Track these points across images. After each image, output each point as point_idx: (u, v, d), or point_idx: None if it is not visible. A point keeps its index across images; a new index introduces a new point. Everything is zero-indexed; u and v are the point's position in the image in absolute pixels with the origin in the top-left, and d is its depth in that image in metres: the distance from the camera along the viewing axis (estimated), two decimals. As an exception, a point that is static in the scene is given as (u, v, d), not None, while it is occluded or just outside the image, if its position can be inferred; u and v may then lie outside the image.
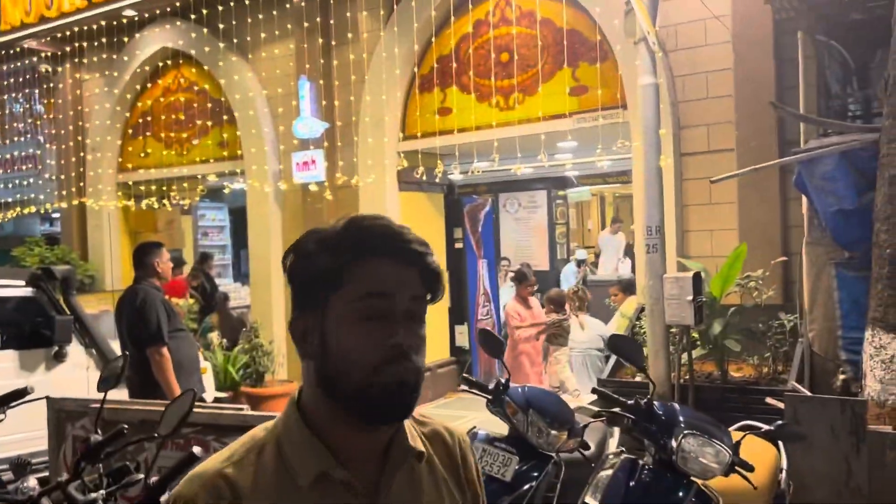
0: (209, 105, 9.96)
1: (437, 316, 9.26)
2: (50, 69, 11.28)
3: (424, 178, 8.25)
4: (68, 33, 10.46)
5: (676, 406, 3.05)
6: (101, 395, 2.65)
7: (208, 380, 6.79)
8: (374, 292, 1.15)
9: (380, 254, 1.16)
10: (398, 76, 8.32)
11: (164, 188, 10.46)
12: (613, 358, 6.41)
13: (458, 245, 9.61)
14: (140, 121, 10.79)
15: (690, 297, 5.18)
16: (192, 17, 9.40)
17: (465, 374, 4.64)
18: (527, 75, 7.68)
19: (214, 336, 8.23)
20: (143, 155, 10.78)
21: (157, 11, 9.88)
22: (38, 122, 11.90)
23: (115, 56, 10.58)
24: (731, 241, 6.34)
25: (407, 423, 1.25)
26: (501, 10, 7.80)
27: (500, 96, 7.90)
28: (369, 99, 8.55)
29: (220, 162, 9.85)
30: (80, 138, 11.16)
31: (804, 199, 5.55)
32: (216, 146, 10.01)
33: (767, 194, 6.24)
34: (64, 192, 11.06)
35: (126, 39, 10.33)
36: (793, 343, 5.70)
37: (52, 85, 11.42)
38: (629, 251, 13.43)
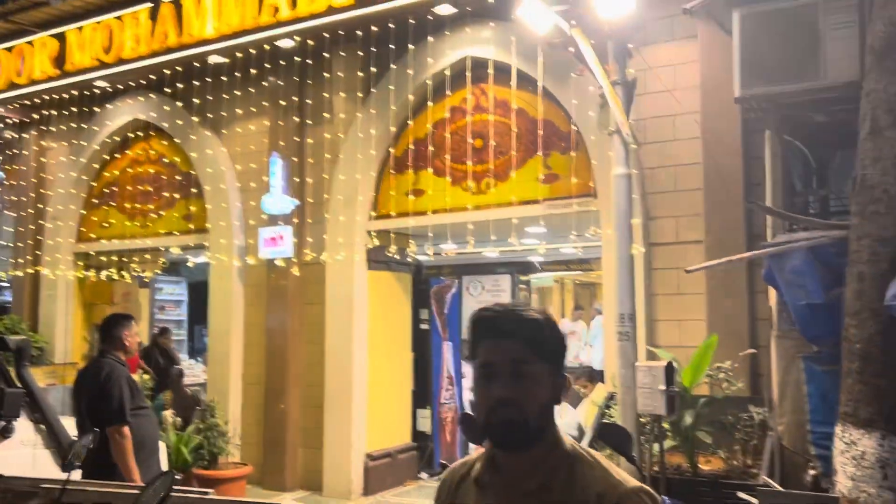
0: (177, 178, 9.88)
1: (398, 399, 9.08)
2: (15, 135, 11.13)
3: (397, 256, 8.24)
4: (37, 101, 10.39)
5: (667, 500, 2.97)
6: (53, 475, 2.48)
7: (161, 460, 6.47)
8: (485, 363, 1.65)
9: (488, 336, 1.66)
10: (373, 156, 8.40)
11: (125, 259, 10.24)
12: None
13: (424, 326, 9.52)
14: (105, 190, 10.65)
15: (663, 387, 5.16)
16: (166, 90, 9.44)
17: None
18: (500, 161, 7.81)
19: (168, 414, 7.90)
20: (105, 225, 10.58)
21: (131, 83, 9.90)
22: (-2, 188, 11.66)
23: (83, 125, 10.50)
24: (699, 332, 6.39)
25: (595, 475, 1.62)
26: (477, 98, 7.99)
27: (473, 180, 8.00)
28: (342, 177, 8.58)
29: (185, 235, 9.71)
30: (40, 206, 10.93)
31: (772, 292, 5.65)
32: (181, 219, 9.89)
33: (735, 286, 6.34)
34: (20, 261, 10.73)
35: (96, 110, 10.29)
36: (762, 436, 5.69)
37: (14, 151, 11.25)
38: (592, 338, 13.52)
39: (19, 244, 10.85)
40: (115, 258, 10.22)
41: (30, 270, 10.50)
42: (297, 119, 8.86)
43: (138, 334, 4.95)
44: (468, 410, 9.77)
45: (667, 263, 6.75)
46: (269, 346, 8.93)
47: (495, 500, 1.64)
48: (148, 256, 9.95)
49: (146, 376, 8.52)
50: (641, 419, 5.55)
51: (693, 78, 6.68)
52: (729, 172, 6.39)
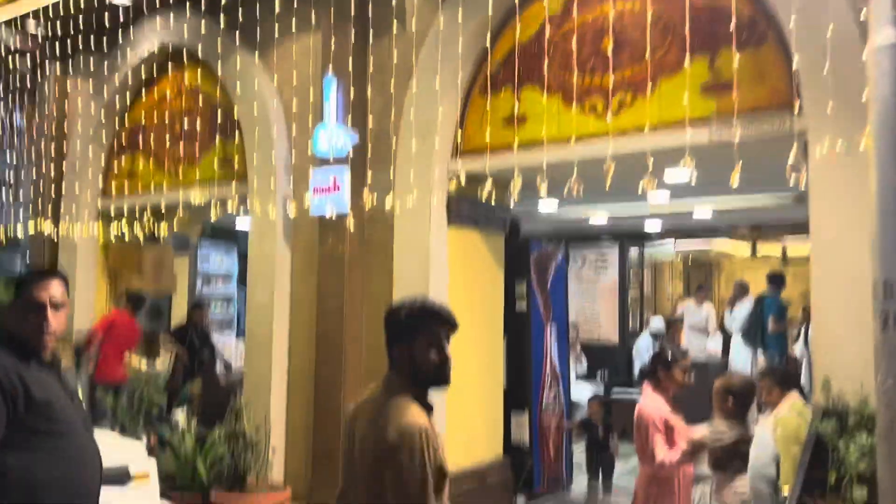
0: (213, 116, 7.90)
1: (486, 400, 6.89)
2: (32, 73, 9.39)
3: (492, 200, 5.95)
4: (56, 32, 8.61)
5: None
6: None
7: (150, 491, 4.48)
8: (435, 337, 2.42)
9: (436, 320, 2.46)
10: (457, 74, 6.18)
11: (154, 217, 8.34)
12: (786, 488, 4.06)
13: (521, 304, 7.27)
14: (131, 135, 8.78)
15: None
16: (198, 5, 7.42)
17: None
18: (638, 69, 5.45)
19: (181, 415, 5.91)
20: (131, 176, 8.72)
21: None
22: (17, 136, 9.99)
23: (105, 58, 8.65)
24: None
25: None
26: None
27: (597, 98, 5.68)
28: (417, 104, 6.40)
29: (222, 186, 7.72)
30: (61, 157, 9.17)
31: None
32: (218, 166, 7.91)
33: None
34: (38, 221, 9.01)
35: (118, 38, 8.43)
36: None
37: (33, 92, 9.53)
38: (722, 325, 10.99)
39: (38, 202, 9.11)
40: (144, 216, 8.31)
41: (47, 231, 8.71)
42: (355, 32, 6.69)
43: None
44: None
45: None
46: (320, 329, 6.87)
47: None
48: (181, 214, 7.99)
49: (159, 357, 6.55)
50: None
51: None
52: None
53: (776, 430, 5.09)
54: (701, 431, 4.16)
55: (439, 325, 2.39)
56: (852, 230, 4.33)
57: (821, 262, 4.61)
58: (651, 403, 4.22)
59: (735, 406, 4.14)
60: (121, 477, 4.28)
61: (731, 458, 4.05)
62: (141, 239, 8.53)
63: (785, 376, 5.15)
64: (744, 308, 9.87)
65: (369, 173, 6.24)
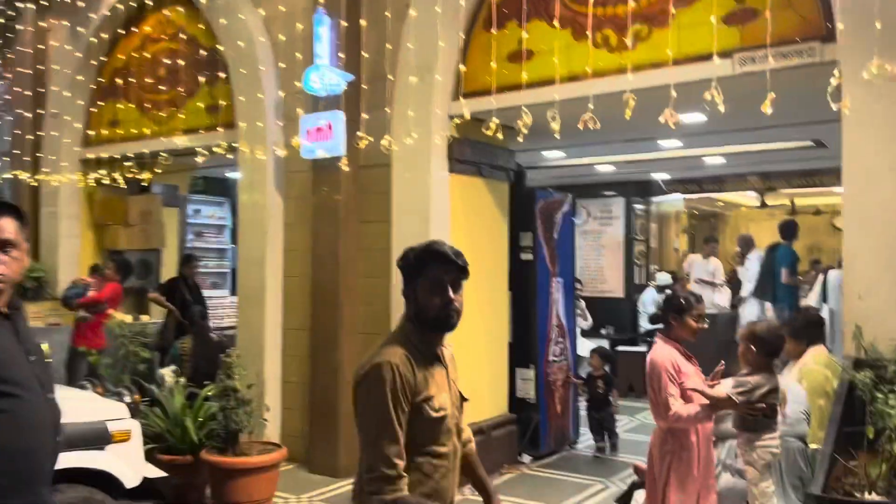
0: (199, 57, 7.43)
1: (490, 355, 6.59)
2: (11, 12, 8.87)
3: (496, 144, 5.51)
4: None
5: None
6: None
7: (132, 451, 4.17)
8: (436, 280, 2.29)
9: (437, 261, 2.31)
10: (459, 6, 5.72)
11: (139, 167, 7.93)
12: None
13: (526, 256, 6.91)
14: (114, 79, 8.31)
15: None
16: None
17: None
18: (656, -4, 5.02)
19: (167, 373, 5.59)
20: (114, 124, 8.28)
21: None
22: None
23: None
24: None
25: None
26: None
27: (609, 30, 5.24)
28: (414, 41, 5.95)
29: (209, 132, 7.30)
30: (39, 105, 8.71)
31: None
32: (205, 112, 7.48)
33: None
34: (16, 170, 8.59)
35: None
36: None
37: (9, 35, 9.02)
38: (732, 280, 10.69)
39: (15, 151, 8.67)
40: (128, 165, 7.89)
41: (26, 178, 8.28)
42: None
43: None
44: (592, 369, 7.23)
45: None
46: (315, 281, 6.53)
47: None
48: (164, 158, 7.56)
49: (128, 316, 6.18)
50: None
51: None
52: None
53: (800, 383, 4.80)
54: (725, 385, 3.82)
55: (444, 267, 2.27)
56: (887, 169, 3.97)
57: (853, 203, 4.27)
58: (663, 353, 3.86)
59: (762, 356, 3.78)
60: (98, 438, 3.97)
61: (756, 419, 3.71)
62: (127, 189, 8.14)
63: (809, 326, 4.84)
64: (751, 262, 9.60)
65: (364, 115, 5.81)
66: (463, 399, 2.46)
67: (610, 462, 6.77)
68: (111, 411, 4.19)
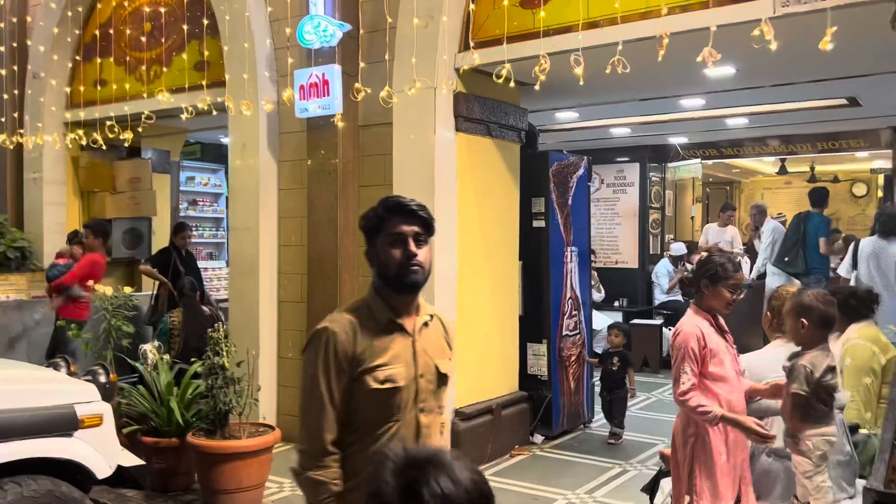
0: (186, 10, 6.90)
1: (500, 329, 6.15)
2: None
3: (499, 114, 5.01)
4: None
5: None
6: None
7: (104, 437, 3.74)
8: (396, 233, 2.10)
9: (397, 215, 2.11)
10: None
11: (125, 129, 7.43)
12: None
13: (539, 223, 6.43)
14: (97, 34, 7.77)
15: None
16: None
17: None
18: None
19: (150, 349, 5.15)
20: (99, 83, 7.77)
21: None
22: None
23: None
24: None
25: (424, 305, 2.20)
26: None
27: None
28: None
29: (196, 90, 6.79)
30: (19, 64, 8.19)
31: None
32: (192, 69, 6.97)
33: None
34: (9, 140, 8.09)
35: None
36: None
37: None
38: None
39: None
40: (110, 125, 7.37)
41: (9, 144, 7.79)
42: None
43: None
44: (607, 344, 6.73)
45: None
46: (312, 249, 6.08)
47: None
48: (149, 118, 7.04)
49: (107, 288, 5.71)
50: None
51: None
52: None
53: (843, 360, 4.34)
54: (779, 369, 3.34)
55: (405, 220, 2.11)
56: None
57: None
58: (690, 324, 3.37)
59: (816, 328, 3.28)
60: (65, 424, 3.54)
61: (811, 397, 3.23)
62: (114, 154, 7.64)
63: (862, 301, 4.36)
64: (765, 233, 9.25)
65: (362, 64, 5.29)
66: (441, 374, 2.18)
67: (628, 442, 6.34)
68: (80, 393, 3.75)
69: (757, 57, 5.07)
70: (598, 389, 6.74)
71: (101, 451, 3.69)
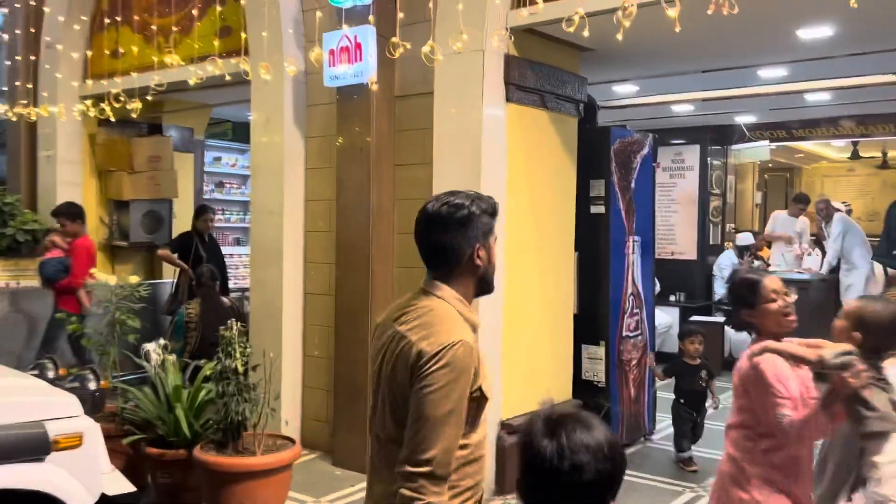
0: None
1: (551, 330, 5.42)
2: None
3: (556, 83, 4.23)
4: None
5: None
6: None
7: (85, 461, 3.11)
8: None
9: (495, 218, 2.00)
10: None
11: (145, 104, 6.82)
12: None
13: (598, 208, 5.68)
14: (112, 4, 7.18)
15: None
16: None
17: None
18: None
19: (154, 348, 4.51)
20: (118, 55, 7.18)
21: None
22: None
23: None
24: None
25: None
26: None
27: None
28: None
29: (215, 59, 6.14)
30: (38, 30, 7.64)
31: None
32: (212, 36, 6.32)
33: None
34: (12, 110, 7.55)
35: None
36: None
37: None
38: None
39: (17, 85, 7.61)
40: (133, 101, 6.76)
41: (24, 119, 7.22)
42: None
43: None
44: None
45: None
46: (341, 236, 5.41)
47: None
48: (161, 86, 6.39)
49: (106, 276, 5.09)
50: None
51: None
52: None
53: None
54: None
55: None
56: None
57: None
58: (769, 357, 2.60)
59: (867, 347, 2.53)
60: (32, 447, 2.92)
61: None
62: (133, 130, 7.04)
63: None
64: (834, 223, 8.65)
65: (401, 25, 4.57)
66: None
67: (697, 459, 5.56)
68: (57, 407, 3.12)
69: (860, 15, 4.25)
70: (657, 395, 5.95)
71: (80, 477, 3.06)
